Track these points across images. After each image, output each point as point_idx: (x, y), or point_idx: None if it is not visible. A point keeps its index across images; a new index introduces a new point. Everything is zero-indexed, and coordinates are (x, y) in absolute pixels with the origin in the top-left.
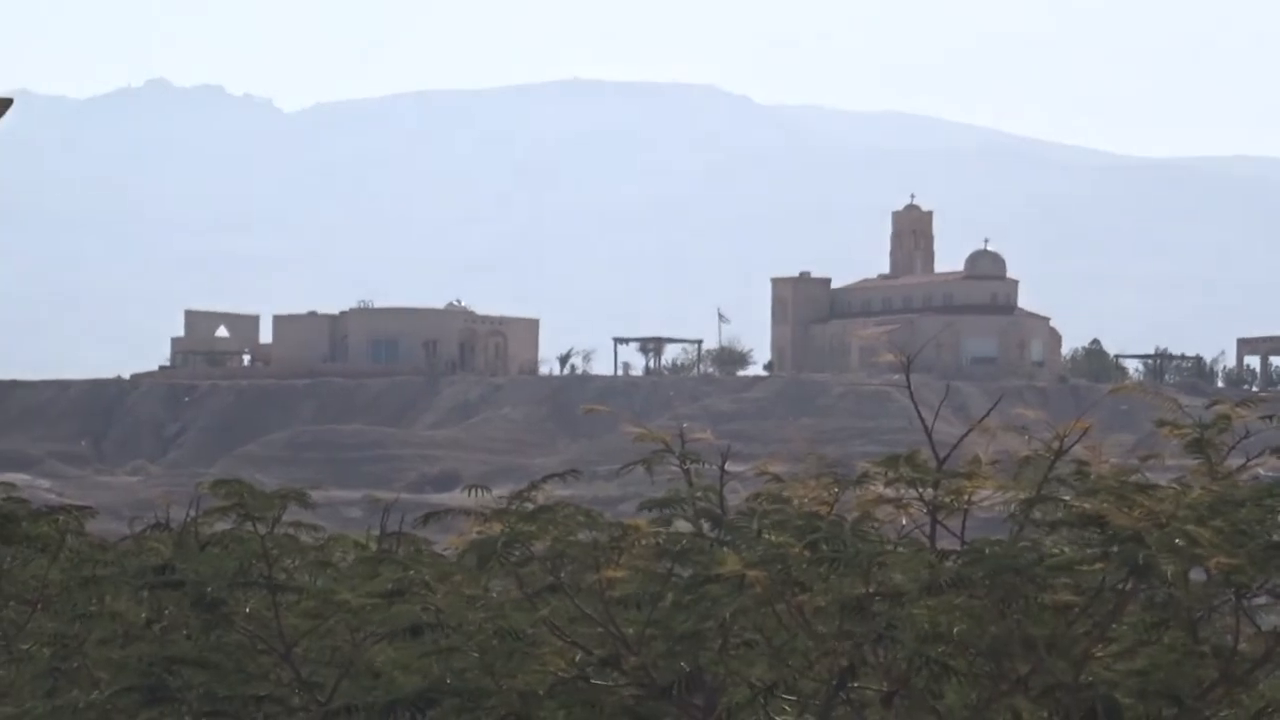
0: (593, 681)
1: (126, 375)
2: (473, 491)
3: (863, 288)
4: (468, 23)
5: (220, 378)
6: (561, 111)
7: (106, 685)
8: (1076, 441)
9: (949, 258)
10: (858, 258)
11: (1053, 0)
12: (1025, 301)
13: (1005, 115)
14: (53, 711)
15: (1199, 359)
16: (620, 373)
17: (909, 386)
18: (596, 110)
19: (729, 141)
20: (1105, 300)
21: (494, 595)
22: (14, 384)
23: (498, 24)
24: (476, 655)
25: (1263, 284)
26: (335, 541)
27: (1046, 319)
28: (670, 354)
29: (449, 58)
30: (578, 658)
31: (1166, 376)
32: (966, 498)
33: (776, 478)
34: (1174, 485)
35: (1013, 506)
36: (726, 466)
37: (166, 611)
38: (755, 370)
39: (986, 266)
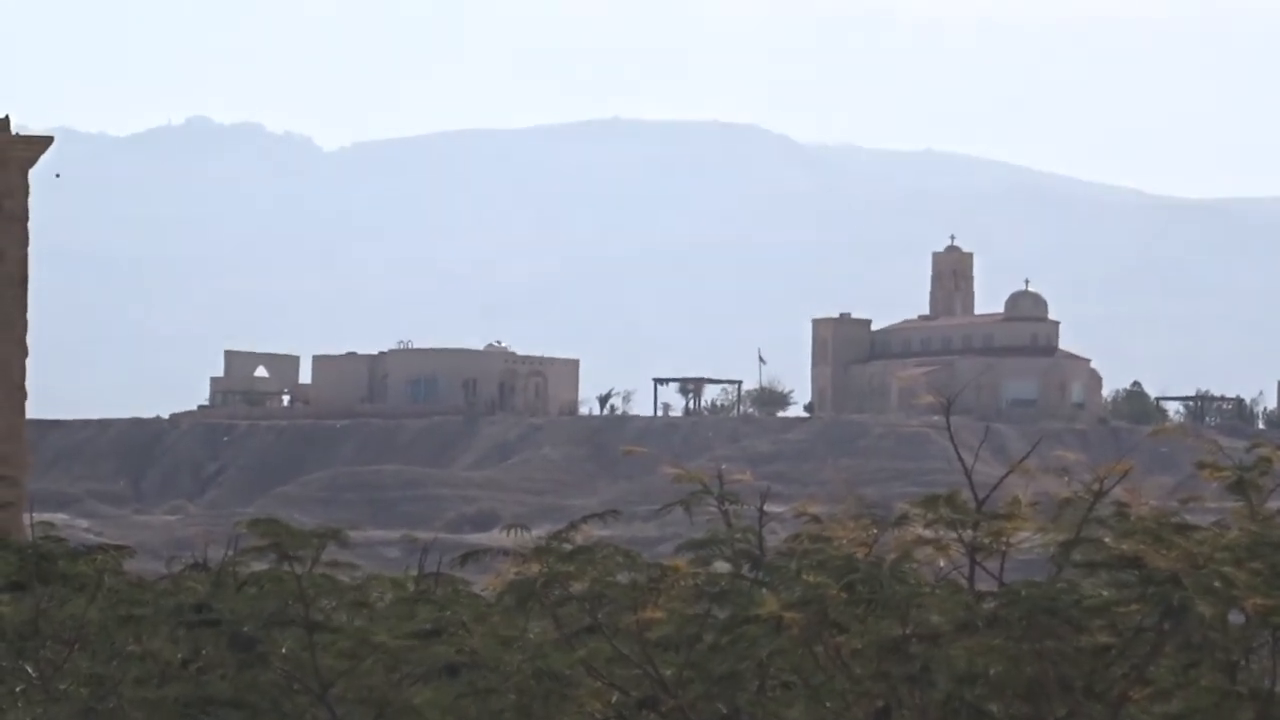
0: None
1: (166, 415)
2: (511, 531)
3: (903, 329)
4: (506, 61)
5: (259, 418)
6: (600, 150)
7: None
8: (1116, 484)
9: (989, 298)
10: (898, 299)
11: (1090, 39)
12: (1066, 343)
13: (1045, 155)
14: None
15: (1240, 400)
16: (660, 413)
17: (949, 428)
18: (635, 149)
19: (768, 181)
20: (1145, 341)
21: (531, 636)
22: (53, 423)
23: (536, 62)
24: (513, 697)
25: None
26: (372, 581)
27: (1087, 360)
28: (710, 395)
29: (488, 95)
30: (615, 699)
31: (1207, 418)
32: (1005, 539)
33: (815, 518)
34: (1213, 527)
35: (1052, 548)
36: (765, 507)
37: (203, 651)
38: (795, 411)
39: (1027, 308)
